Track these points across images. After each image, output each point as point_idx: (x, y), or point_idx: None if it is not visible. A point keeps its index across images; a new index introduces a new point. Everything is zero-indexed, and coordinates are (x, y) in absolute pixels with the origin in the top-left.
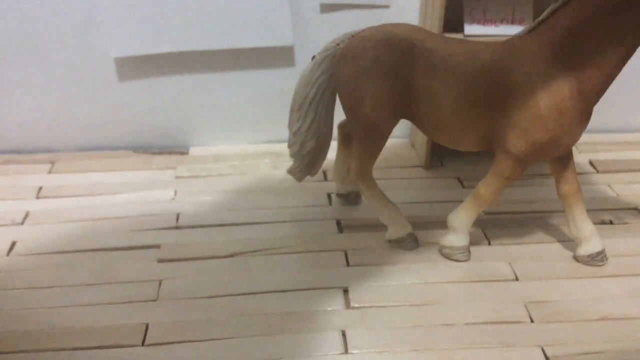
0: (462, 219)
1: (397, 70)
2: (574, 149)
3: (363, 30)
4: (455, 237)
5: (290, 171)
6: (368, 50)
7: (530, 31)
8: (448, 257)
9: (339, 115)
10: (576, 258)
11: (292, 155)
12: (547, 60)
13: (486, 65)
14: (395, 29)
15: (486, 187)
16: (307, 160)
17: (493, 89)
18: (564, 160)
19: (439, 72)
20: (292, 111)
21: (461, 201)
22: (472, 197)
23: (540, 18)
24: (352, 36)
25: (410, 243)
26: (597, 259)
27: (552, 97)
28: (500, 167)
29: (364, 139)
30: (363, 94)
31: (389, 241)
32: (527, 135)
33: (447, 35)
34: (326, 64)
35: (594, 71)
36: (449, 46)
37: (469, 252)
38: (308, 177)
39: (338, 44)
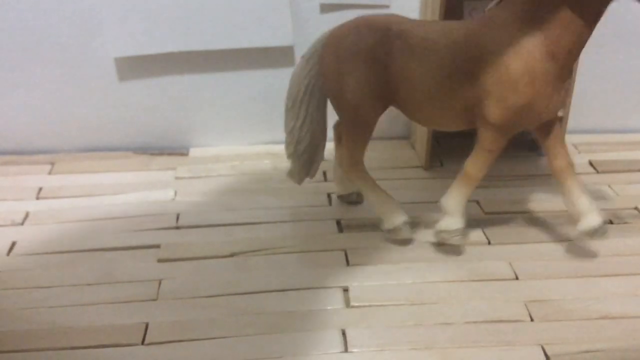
0: (454, 200)
1: (375, 54)
2: (573, 149)
3: (343, 23)
4: (450, 220)
5: (289, 174)
6: (346, 37)
7: (500, 1)
8: (444, 241)
9: (334, 116)
10: (579, 235)
11: (288, 157)
12: (516, 26)
13: (461, 40)
14: (373, 16)
15: (472, 164)
16: (303, 160)
17: (469, 63)
18: (551, 133)
19: (415, 51)
20: (286, 111)
21: None
22: (460, 177)
23: None
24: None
25: (405, 232)
26: (599, 232)
27: (523, 60)
28: (482, 140)
29: (351, 127)
30: (344, 81)
31: (385, 231)
32: (502, 102)
33: None
34: (313, 60)
35: (562, 31)
36: (425, 26)
37: (465, 235)
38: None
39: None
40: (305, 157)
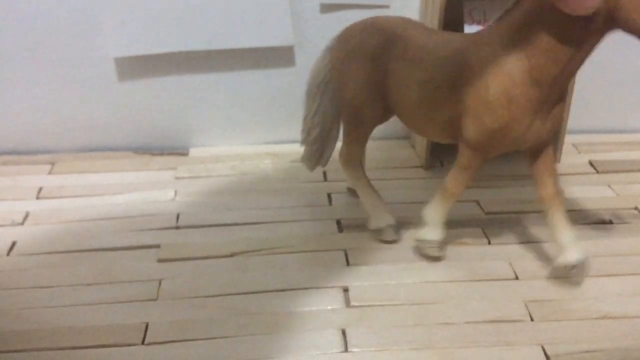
0: (434, 212)
1: (377, 55)
2: (573, 149)
3: (359, 20)
4: (427, 231)
5: (302, 159)
6: (355, 36)
7: (497, 20)
8: (420, 251)
9: None
10: (556, 267)
11: (301, 144)
12: (502, 47)
13: (453, 53)
14: (385, 18)
15: (450, 180)
16: (315, 149)
17: (454, 77)
18: (540, 162)
19: (410, 58)
20: (305, 100)
21: (461, 201)
22: (439, 191)
23: (507, 7)
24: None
25: (389, 234)
26: (573, 271)
27: (502, 82)
28: (459, 156)
29: (349, 123)
30: (347, 77)
31: (371, 230)
32: (478, 122)
33: None
34: (328, 53)
35: (546, 60)
36: (428, 35)
37: (441, 248)
38: (308, 177)
39: None
40: (316, 146)
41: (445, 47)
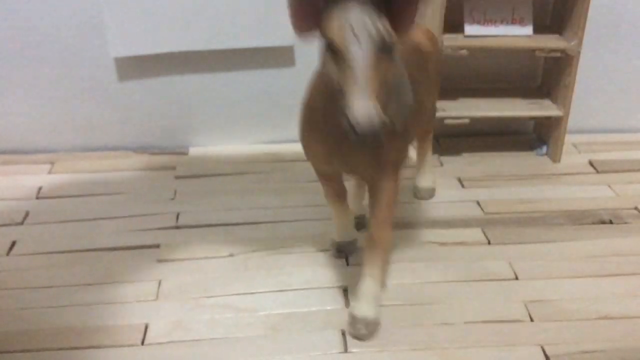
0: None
1: None
2: (573, 148)
3: None
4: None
5: None
6: None
7: None
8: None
9: None
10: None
11: None
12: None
13: None
14: None
15: None
16: None
17: None
18: (370, 202)
19: None
20: None
21: (461, 201)
22: None
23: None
24: None
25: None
26: (352, 324)
27: (305, 100)
28: None
29: None
30: None
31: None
32: None
33: (446, 35)
34: None
35: (314, 91)
36: None
37: (338, 251)
38: (308, 177)
39: None
40: None
41: None
